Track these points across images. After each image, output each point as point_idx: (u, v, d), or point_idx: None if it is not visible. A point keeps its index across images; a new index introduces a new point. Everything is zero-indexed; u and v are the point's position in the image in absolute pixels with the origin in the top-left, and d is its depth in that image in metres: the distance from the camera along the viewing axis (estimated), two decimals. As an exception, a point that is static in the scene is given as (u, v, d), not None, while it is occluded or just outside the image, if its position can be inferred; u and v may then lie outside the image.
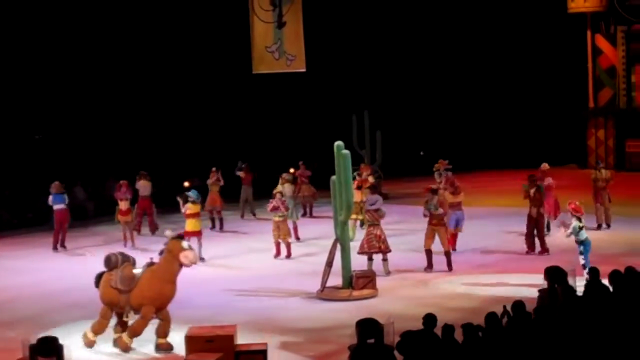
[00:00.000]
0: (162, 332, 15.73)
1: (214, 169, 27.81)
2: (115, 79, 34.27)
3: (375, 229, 20.43)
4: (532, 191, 22.70)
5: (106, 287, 15.94)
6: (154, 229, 26.79)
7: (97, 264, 23.03)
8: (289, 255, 22.99)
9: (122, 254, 16.52)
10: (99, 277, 16.24)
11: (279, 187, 24.78)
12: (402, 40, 38.07)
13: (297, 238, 24.69)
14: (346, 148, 19.10)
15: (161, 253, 16.19)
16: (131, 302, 15.72)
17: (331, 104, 36.10)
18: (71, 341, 14.93)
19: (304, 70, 27.38)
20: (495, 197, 30.85)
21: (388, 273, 20.43)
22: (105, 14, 33.48)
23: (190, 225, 22.57)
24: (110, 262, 16.17)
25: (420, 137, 37.84)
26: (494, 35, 38.35)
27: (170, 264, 15.91)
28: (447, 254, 20.74)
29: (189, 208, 22.67)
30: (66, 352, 12.05)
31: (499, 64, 38.61)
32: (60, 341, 11.93)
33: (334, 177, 19.17)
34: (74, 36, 33.05)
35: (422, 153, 35.67)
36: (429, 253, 20.79)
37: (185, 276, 21.24)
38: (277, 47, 26.94)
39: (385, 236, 20.49)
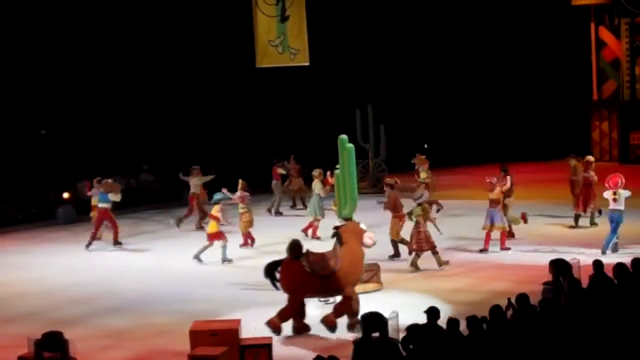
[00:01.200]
0: (349, 309, 15.88)
1: (196, 167, 27.72)
2: (119, 74, 34.22)
3: (422, 227, 20.51)
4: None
5: (292, 273, 15.97)
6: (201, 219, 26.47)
7: (98, 260, 23.33)
8: (252, 243, 23.37)
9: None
10: (273, 265, 16.24)
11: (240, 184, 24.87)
12: (405, 34, 38.01)
13: (315, 237, 24.24)
14: (350, 142, 19.07)
15: (335, 236, 16.36)
16: (332, 285, 15.95)
17: (335, 98, 36.05)
18: (76, 336, 14.93)
19: (307, 64, 27.42)
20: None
21: (445, 263, 20.45)
22: (109, 9, 33.45)
23: (213, 227, 22.37)
24: (297, 249, 16.20)
25: (424, 130, 37.78)
26: (497, 28, 38.28)
27: (358, 245, 16.25)
28: (392, 242, 21.26)
29: (214, 209, 22.41)
30: (71, 347, 12.06)
31: (503, 56, 38.56)
32: (65, 336, 11.96)
33: (338, 171, 19.15)
34: (79, 31, 33.00)
35: (426, 146, 35.58)
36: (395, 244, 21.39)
37: (189, 270, 21.40)
38: (281, 40, 26.97)
39: (429, 233, 20.55)
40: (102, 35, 33.46)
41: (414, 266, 20.38)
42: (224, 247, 22.03)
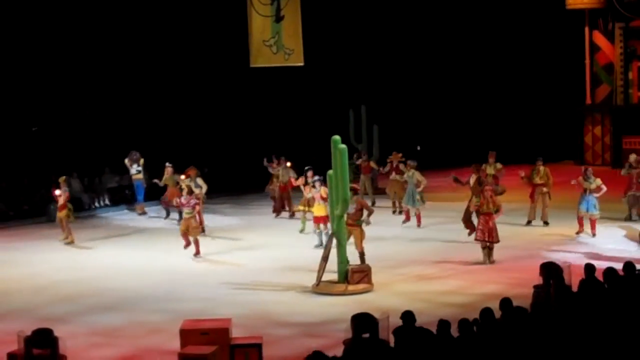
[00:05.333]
0: None
1: (168, 164, 27.76)
2: (112, 71, 34.19)
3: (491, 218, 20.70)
4: (472, 180, 23.45)
5: None
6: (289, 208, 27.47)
7: (90, 257, 23.31)
8: (197, 253, 22.57)
9: None
10: None
11: (187, 182, 24.87)
12: (399, 35, 38.03)
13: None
14: (343, 142, 19.09)
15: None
16: None
17: (328, 98, 36.07)
18: (66, 333, 14.91)
19: (301, 64, 27.43)
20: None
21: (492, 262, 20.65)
22: (100, 8, 33.39)
23: (319, 209, 22.86)
24: None
25: (417, 131, 37.81)
26: (491, 31, 38.32)
27: None
28: (361, 255, 20.25)
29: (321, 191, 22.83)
30: (61, 344, 12.06)
31: (497, 59, 38.59)
32: (55, 333, 11.96)
33: (330, 172, 19.19)
34: (70, 29, 32.94)
35: (418, 148, 35.63)
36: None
37: (181, 269, 21.39)
38: (275, 40, 26.98)
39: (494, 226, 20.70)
40: (94, 32, 33.40)
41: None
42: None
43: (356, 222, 20.32)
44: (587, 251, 21.20)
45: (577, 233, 23.29)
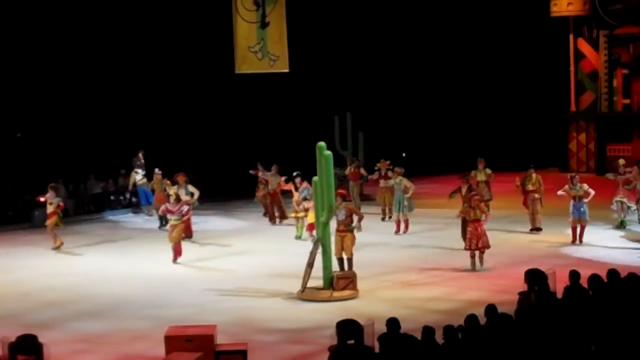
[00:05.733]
0: None
1: (157, 170, 27.79)
2: (97, 77, 34.15)
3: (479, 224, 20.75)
4: (463, 191, 23.57)
5: None
6: (282, 215, 27.59)
7: (75, 264, 23.24)
8: (174, 259, 22.57)
9: None
10: None
11: (174, 189, 24.87)
12: (385, 43, 38.10)
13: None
14: (328, 149, 19.10)
15: None
16: None
17: (314, 105, 36.08)
18: (50, 340, 14.85)
19: (287, 70, 27.38)
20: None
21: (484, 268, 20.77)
22: (86, 14, 33.35)
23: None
24: None
25: (403, 138, 37.87)
26: (476, 38, 38.43)
27: None
28: (349, 260, 20.19)
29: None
30: (45, 351, 12.02)
31: (481, 66, 38.70)
32: (40, 340, 11.91)
33: (315, 178, 19.18)
34: (55, 35, 32.91)
35: (404, 155, 35.68)
36: (340, 261, 20.22)
37: (166, 276, 21.35)
38: (260, 47, 26.93)
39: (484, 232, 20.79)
40: (79, 39, 33.36)
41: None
42: None
43: (347, 228, 20.32)
44: (573, 258, 21.24)
45: (573, 242, 23.27)
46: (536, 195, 24.92)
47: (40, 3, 32.99)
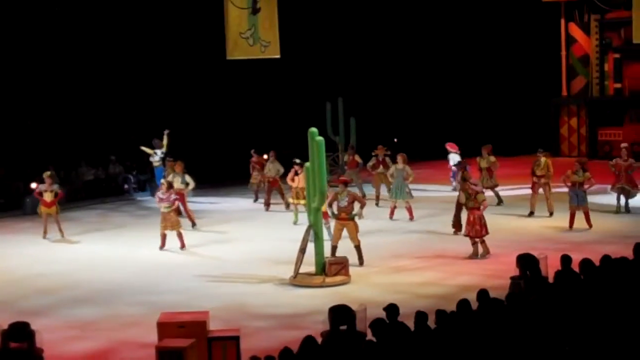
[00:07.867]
0: None
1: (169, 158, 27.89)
2: (88, 64, 34.02)
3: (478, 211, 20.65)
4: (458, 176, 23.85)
5: None
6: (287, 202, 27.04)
7: (67, 251, 23.24)
8: (182, 246, 22.54)
9: None
10: None
11: (169, 178, 24.86)
12: (376, 28, 38.02)
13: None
14: (320, 135, 19.11)
15: None
16: None
17: (305, 91, 36.03)
18: (43, 327, 14.86)
19: (278, 56, 27.41)
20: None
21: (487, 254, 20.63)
22: (81, 5, 33.23)
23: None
24: None
25: (395, 124, 37.84)
26: (467, 23, 38.36)
27: None
28: (357, 248, 20.22)
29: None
30: (38, 338, 12.02)
31: (473, 52, 38.65)
32: (32, 327, 11.91)
33: (307, 164, 19.19)
34: (50, 26, 32.82)
35: (395, 140, 35.63)
36: (334, 249, 20.19)
37: (158, 262, 21.36)
38: (252, 33, 26.92)
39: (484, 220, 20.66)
40: (70, 27, 33.24)
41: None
42: None
43: (349, 216, 20.30)
44: (565, 242, 21.25)
45: (570, 228, 23.15)
46: (544, 180, 24.79)
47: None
